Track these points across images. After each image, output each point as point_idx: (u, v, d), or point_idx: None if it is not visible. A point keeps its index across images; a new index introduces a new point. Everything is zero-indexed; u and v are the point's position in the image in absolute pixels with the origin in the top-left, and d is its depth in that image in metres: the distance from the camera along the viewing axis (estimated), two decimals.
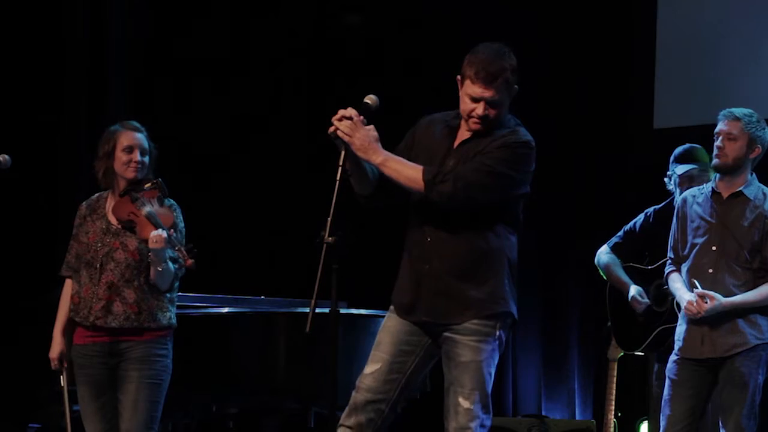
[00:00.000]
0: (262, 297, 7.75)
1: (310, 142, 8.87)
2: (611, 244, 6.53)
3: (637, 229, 6.48)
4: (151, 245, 5.32)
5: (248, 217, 8.99)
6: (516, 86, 4.75)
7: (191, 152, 9.07)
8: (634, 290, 6.33)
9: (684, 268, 5.61)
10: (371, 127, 4.57)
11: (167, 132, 8.79)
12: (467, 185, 4.56)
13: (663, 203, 6.49)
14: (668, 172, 6.41)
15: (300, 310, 6.88)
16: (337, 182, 4.51)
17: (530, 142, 4.72)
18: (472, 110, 4.65)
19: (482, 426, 4.60)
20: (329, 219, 4.45)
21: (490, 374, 4.65)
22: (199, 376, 6.69)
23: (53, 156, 8.81)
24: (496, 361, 4.68)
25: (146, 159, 5.55)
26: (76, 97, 8.93)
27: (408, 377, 4.71)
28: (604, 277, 6.54)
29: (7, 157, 5.53)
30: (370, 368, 4.70)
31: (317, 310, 4.39)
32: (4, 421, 7.40)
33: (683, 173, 6.29)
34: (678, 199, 5.82)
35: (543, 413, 8.46)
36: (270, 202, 9.00)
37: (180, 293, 5.68)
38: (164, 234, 5.30)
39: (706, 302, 5.42)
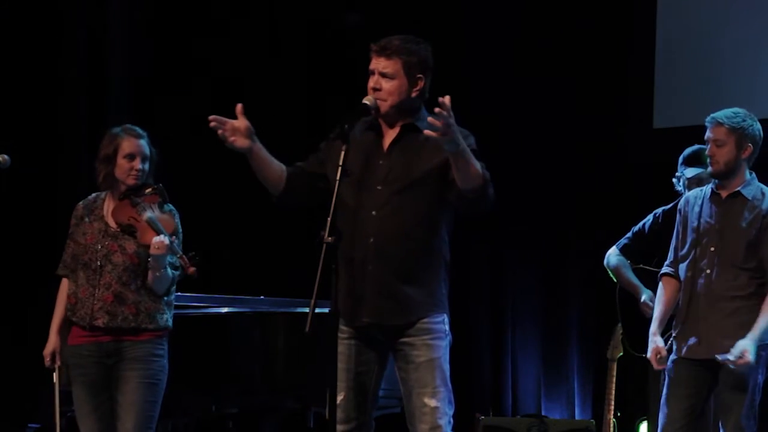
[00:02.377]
0: (262, 297, 7.75)
1: (310, 143, 8.86)
2: (620, 246, 6.50)
3: (646, 230, 6.46)
4: (152, 251, 5.32)
5: (248, 217, 8.99)
6: (420, 76, 4.69)
7: (192, 152, 9.07)
8: (645, 296, 6.32)
9: (682, 267, 5.60)
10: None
11: (168, 132, 8.85)
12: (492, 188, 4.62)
13: (671, 204, 6.47)
14: (677, 173, 6.40)
15: (300, 310, 6.88)
16: (337, 182, 4.51)
17: (468, 132, 4.70)
18: (369, 86, 4.66)
19: (449, 422, 4.64)
20: (329, 219, 4.45)
21: (448, 369, 4.67)
22: (198, 376, 6.70)
23: (53, 156, 8.81)
24: (448, 357, 4.70)
25: (146, 166, 5.55)
26: (76, 97, 8.93)
27: (372, 393, 4.74)
28: (614, 279, 6.53)
29: (6, 157, 5.53)
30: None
31: (317, 310, 4.39)
32: (4, 421, 7.40)
33: (692, 177, 6.28)
34: (681, 200, 5.80)
35: (542, 413, 8.46)
36: (270, 202, 8.99)
37: (179, 293, 5.70)
38: (166, 241, 5.31)
39: (743, 357, 5.34)
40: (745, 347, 5.32)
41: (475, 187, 4.53)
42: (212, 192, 9.01)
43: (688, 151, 6.38)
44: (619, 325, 6.71)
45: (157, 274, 5.36)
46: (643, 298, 6.33)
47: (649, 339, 5.59)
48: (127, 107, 8.97)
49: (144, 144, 5.56)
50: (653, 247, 6.42)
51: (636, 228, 6.51)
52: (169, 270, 5.40)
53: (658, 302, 5.67)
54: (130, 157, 5.51)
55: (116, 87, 9.06)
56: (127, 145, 5.53)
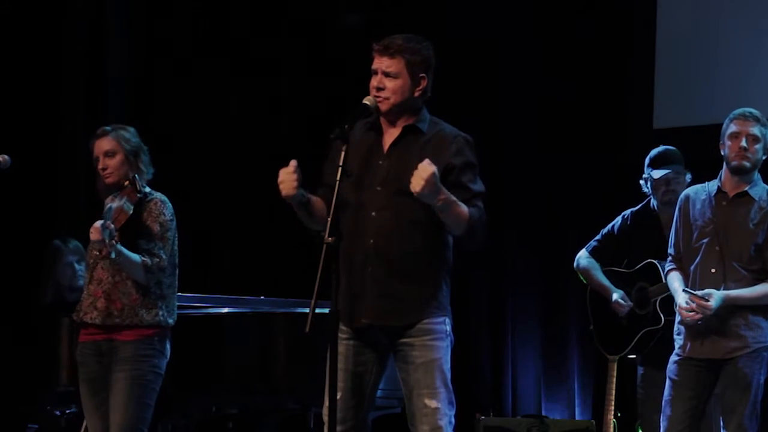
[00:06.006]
0: (262, 297, 7.74)
1: (312, 144, 8.87)
2: (590, 248, 6.51)
3: (615, 232, 6.47)
4: (90, 236, 5.31)
5: (248, 217, 8.99)
6: (423, 75, 4.70)
7: (192, 152, 9.06)
8: (616, 294, 6.32)
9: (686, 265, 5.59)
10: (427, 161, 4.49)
11: (168, 131, 8.85)
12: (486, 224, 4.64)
13: (639, 205, 6.48)
14: (644, 175, 6.40)
15: (299, 310, 6.88)
16: (337, 182, 4.51)
17: (471, 138, 4.73)
18: (372, 85, 4.67)
19: (450, 423, 4.64)
20: (329, 219, 4.45)
21: (449, 370, 4.67)
22: (198, 377, 6.69)
23: (53, 156, 8.81)
24: (449, 358, 4.70)
25: (116, 159, 5.52)
26: (75, 97, 8.93)
27: (369, 394, 4.75)
28: (584, 282, 6.54)
29: (6, 157, 5.52)
30: None
31: (317, 311, 4.39)
32: (4, 422, 7.40)
33: (659, 177, 6.28)
34: (680, 196, 5.78)
35: (543, 413, 8.45)
36: (270, 202, 8.99)
37: (179, 293, 5.68)
38: (97, 224, 5.25)
39: (708, 300, 5.37)
40: (713, 293, 5.34)
41: (460, 232, 4.60)
42: (212, 191, 9.01)
43: (654, 152, 6.38)
44: (591, 327, 6.68)
45: (112, 257, 5.28)
46: (615, 297, 6.32)
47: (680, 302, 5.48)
48: (126, 106, 8.97)
49: (105, 141, 5.54)
50: (623, 249, 6.42)
51: (605, 230, 6.52)
52: (130, 254, 5.34)
53: (680, 281, 5.58)
54: (96, 161, 5.55)
55: (116, 85, 9.06)
56: (94, 151, 5.57)
